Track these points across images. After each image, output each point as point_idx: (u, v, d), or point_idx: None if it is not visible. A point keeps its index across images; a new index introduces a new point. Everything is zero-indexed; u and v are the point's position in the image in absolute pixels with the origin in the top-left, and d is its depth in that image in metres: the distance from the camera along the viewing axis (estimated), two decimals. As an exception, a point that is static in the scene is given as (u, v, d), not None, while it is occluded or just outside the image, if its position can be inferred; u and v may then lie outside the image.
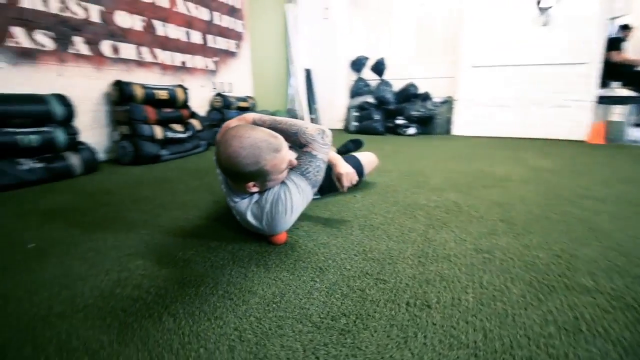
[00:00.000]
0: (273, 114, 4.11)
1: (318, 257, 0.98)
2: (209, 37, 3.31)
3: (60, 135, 1.87)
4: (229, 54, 3.60)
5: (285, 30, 4.80)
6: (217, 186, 1.68)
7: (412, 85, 4.61)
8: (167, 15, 2.82)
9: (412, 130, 4.42)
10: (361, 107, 4.83)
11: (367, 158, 1.75)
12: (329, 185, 1.33)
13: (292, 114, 4.49)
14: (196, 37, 3.15)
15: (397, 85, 4.72)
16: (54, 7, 2.04)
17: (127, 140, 2.32)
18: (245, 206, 0.99)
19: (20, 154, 1.72)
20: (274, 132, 0.96)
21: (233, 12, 3.62)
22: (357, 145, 2.20)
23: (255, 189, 0.96)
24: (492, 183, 1.83)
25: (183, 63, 3.02)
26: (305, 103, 4.93)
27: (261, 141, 0.89)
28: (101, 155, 2.41)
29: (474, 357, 0.59)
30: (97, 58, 2.32)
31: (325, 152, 1.07)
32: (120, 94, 2.33)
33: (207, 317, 0.70)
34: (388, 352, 0.60)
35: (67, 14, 2.11)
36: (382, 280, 0.84)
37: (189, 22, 3.05)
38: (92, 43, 2.28)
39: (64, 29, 2.10)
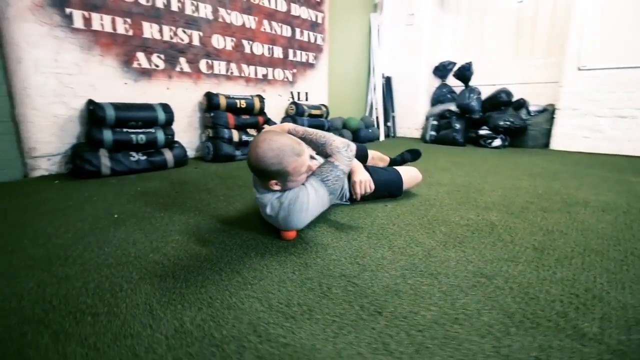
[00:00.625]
0: (345, 121, 4.27)
1: (310, 254, 1.07)
2: (290, 51, 3.66)
3: (160, 136, 2.40)
4: (307, 65, 3.90)
5: (368, 39, 4.89)
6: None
7: (503, 92, 4.13)
8: (254, 35, 3.26)
9: (497, 142, 3.98)
10: (441, 116, 4.56)
11: (409, 173, 1.74)
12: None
13: (366, 121, 4.55)
14: (278, 52, 3.53)
15: (487, 92, 4.26)
16: (167, 35, 2.63)
17: (211, 141, 2.78)
18: (268, 200, 1.14)
19: (132, 149, 2.28)
20: (298, 139, 1.11)
21: (314, 27, 3.91)
22: (415, 156, 2.15)
23: (277, 187, 1.11)
24: (558, 207, 1.58)
25: (264, 76, 3.43)
26: (382, 111, 4.93)
27: (285, 145, 1.05)
28: (192, 153, 2.95)
29: (389, 365, 0.61)
30: (196, 74, 2.86)
31: (347, 164, 1.18)
32: (209, 103, 2.81)
33: (196, 284, 0.88)
34: (314, 341, 0.67)
35: (175, 40, 2.69)
36: (353, 283, 0.89)
37: (272, 40, 3.45)
38: (193, 62, 2.82)
39: (172, 52, 2.68)
